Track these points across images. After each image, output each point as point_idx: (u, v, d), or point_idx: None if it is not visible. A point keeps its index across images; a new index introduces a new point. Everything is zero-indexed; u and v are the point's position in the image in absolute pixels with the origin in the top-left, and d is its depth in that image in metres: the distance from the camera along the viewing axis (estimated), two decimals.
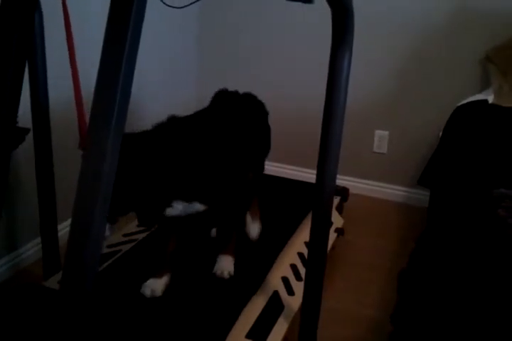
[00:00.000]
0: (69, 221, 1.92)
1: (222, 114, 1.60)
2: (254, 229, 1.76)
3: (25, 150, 1.52)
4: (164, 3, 1.16)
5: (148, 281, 1.47)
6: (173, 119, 1.39)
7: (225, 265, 1.56)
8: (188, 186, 1.32)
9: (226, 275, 1.54)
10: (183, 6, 1.28)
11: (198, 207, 1.39)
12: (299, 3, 1.06)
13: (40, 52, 1.38)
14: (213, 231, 1.78)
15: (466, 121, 1.82)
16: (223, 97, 1.69)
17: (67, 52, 1.24)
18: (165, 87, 2.59)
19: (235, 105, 1.66)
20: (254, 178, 1.79)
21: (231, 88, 1.74)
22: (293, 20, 2.53)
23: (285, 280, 1.54)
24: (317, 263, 1.25)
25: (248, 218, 1.79)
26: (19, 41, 1.18)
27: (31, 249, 1.90)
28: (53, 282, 1.50)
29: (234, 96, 1.71)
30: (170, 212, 1.35)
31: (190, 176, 1.31)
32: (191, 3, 1.27)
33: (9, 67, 1.18)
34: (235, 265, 1.58)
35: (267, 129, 1.78)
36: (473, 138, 1.65)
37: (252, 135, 1.64)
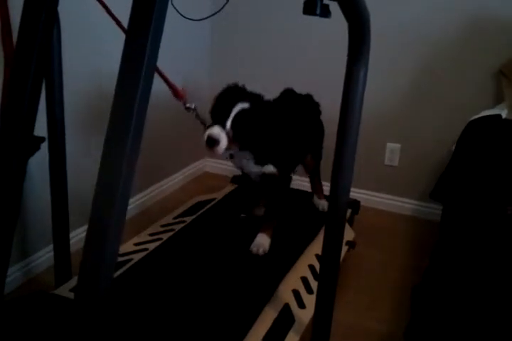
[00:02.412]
0: (81, 228, 1.95)
1: (291, 104, 1.92)
2: (322, 204, 2.13)
3: (40, 159, 1.53)
4: (183, 15, 1.18)
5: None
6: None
7: (262, 243, 1.74)
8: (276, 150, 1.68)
9: (261, 252, 1.72)
10: (200, 18, 1.30)
11: (271, 169, 1.70)
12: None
13: (57, 64, 1.41)
14: (261, 210, 1.96)
15: (480, 135, 1.81)
16: (290, 93, 2.00)
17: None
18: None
19: (299, 100, 2.01)
20: (314, 160, 2.11)
21: None
22: (306, 32, 2.54)
23: (296, 293, 1.53)
24: (329, 277, 1.25)
25: (315, 196, 2.17)
26: (38, 54, 1.20)
27: (43, 257, 1.90)
28: (64, 290, 1.50)
29: (298, 95, 2.03)
30: (247, 167, 1.72)
31: (279, 142, 1.65)
32: (208, 17, 1.29)
33: (28, 78, 1.20)
34: (246, 276, 1.58)
35: (320, 121, 2.10)
36: (487, 153, 1.64)
37: (311, 124, 2.00)
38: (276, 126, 1.61)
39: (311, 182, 2.20)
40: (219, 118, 1.50)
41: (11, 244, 1.30)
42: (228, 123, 1.48)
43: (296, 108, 1.91)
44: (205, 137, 1.46)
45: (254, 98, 1.58)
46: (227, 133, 1.48)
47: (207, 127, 1.51)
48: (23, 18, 1.19)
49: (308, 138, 1.98)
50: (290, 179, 1.91)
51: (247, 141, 1.56)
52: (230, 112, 1.48)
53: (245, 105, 1.50)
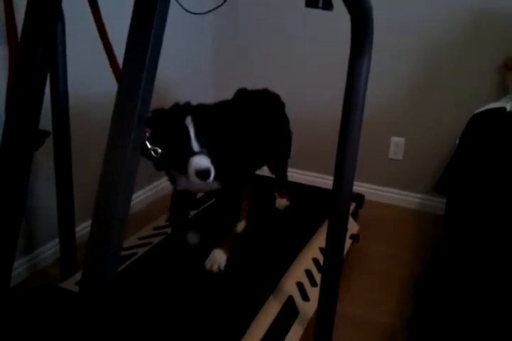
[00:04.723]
0: (87, 222, 1.96)
1: (242, 106, 1.71)
2: (282, 203, 2.00)
3: (45, 153, 1.54)
4: (186, 9, 1.19)
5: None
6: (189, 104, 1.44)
7: (217, 259, 1.59)
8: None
9: (215, 269, 1.57)
10: (203, 12, 1.30)
11: (214, 184, 1.46)
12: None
13: (61, 59, 1.42)
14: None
15: (484, 128, 1.80)
16: (243, 93, 1.81)
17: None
18: (182, 91, 2.61)
19: (251, 99, 1.78)
20: (277, 161, 1.96)
21: None
22: (310, 25, 2.54)
23: (300, 286, 1.54)
24: (333, 270, 1.25)
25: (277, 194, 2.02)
26: (42, 48, 1.20)
27: (49, 250, 1.92)
28: (70, 283, 1.51)
29: (251, 92, 1.83)
30: (193, 187, 1.48)
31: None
32: (211, 10, 1.29)
33: (32, 73, 1.20)
34: (250, 268, 1.60)
35: (285, 119, 1.93)
36: (491, 146, 1.64)
37: (269, 124, 1.77)
38: (232, 128, 1.41)
39: (276, 182, 2.06)
40: (179, 146, 1.28)
41: (17, 237, 1.31)
42: (195, 145, 1.28)
43: (247, 110, 1.69)
44: (194, 172, 1.26)
45: (195, 107, 1.37)
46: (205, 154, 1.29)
47: (174, 163, 1.32)
48: (27, 12, 1.19)
49: (265, 140, 1.75)
50: (241, 190, 1.69)
51: (220, 149, 1.36)
52: (187, 131, 1.28)
53: (191, 116, 1.30)
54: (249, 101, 1.76)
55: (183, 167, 1.29)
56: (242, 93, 1.81)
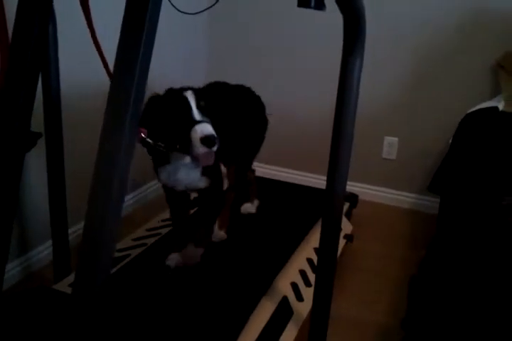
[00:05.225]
0: (79, 225, 1.95)
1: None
2: (251, 207, 1.98)
3: (37, 155, 1.54)
4: (178, 10, 1.18)
5: (171, 255, 1.59)
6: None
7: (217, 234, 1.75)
8: None
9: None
10: (195, 12, 1.30)
11: (203, 182, 1.47)
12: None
13: (53, 60, 1.41)
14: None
15: (477, 128, 1.81)
16: (215, 86, 1.70)
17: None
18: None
19: (227, 94, 1.68)
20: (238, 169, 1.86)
21: None
22: (305, 23, 2.54)
23: (294, 286, 1.54)
24: (327, 270, 1.25)
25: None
26: (34, 50, 1.20)
27: (42, 252, 1.91)
28: (64, 285, 1.50)
29: (226, 87, 1.72)
30: (180, 182, 1.44)
31: None
32: (204, 10, 1.29)
33: (24, 74, 1.20)
34: (244, 269, 1.60)
35: (262, 120, 1.82)
36: (484, 145, 1.65)
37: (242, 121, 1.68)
38: (226, 108, 1.41)
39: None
40: (180, 119, 1.25)
41: (9, 239, 1.31)
42: (197, 115, 1.24)
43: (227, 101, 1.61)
44: (198, 141, 1.21)
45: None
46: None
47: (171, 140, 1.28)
48: (18, 11, 1.19)
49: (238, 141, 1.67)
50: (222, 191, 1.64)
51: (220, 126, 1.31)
52: (187, 102, 1.24)
53: (190, 90, 1.29)
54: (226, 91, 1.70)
55: (186, 144, 1.25)
56: (215, 85, 1.71)
